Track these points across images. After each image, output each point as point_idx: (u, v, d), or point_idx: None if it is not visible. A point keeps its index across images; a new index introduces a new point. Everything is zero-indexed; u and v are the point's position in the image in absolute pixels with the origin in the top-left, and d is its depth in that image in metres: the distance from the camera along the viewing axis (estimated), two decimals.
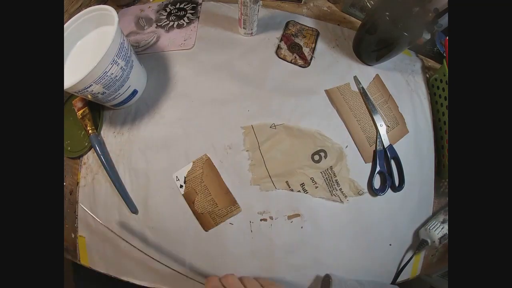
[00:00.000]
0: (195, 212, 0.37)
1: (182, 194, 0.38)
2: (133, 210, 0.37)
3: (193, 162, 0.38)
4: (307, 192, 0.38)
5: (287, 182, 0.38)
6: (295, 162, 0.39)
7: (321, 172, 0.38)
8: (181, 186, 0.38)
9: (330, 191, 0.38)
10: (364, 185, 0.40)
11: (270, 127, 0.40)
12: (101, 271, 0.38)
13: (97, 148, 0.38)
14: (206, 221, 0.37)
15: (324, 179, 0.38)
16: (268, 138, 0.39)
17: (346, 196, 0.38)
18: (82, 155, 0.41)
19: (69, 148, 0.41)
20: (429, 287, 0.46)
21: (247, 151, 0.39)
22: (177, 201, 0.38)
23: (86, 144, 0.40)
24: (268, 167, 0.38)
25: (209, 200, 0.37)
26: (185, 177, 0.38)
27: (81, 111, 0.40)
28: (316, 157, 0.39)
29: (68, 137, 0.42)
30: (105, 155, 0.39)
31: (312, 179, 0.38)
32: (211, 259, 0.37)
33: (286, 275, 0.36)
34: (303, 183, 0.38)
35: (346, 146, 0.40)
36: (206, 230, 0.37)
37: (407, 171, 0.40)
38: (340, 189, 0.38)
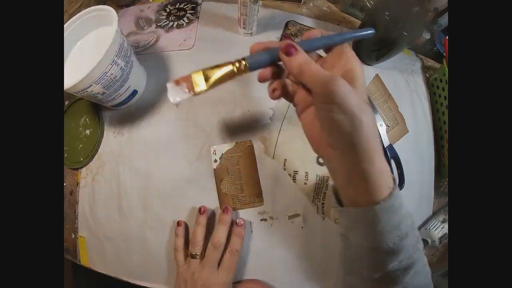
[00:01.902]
0: (219, 190, 0.38)
1: (214, 169, 0.38)
2: None
3: (236, 143, 0.39)
4: (295, 181, 0.38)
5: (285, 160, 0.38)
6: (301, 154, 0.39)
7: (317, 174, 0.38)
8: (215, 161, 0.38)
9: (313, 197, 0.38)
10: None
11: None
12: (101, 271, 0.38)
13: None
14: (227, 202, 0.37)
15: (315, 183, 0.38)
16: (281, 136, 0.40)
17: (323, 214, 0.37)
18: (77, 168, 0.41)
19: (66, 155, 0.41)
20: None
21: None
22: (178, 201, 0.38)
23: (82, 159, 0.40)
24: (278, 144, 0.39)
25: (237, 184, 0.38)
26: (222, 154, 0.39)
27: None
28: (321, 160, 0.39)
29: (66, 144, 0.42)
30: None
31: (306, 173, 0.38)
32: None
33: (286, 275, 0.36)
34: (297, 171, 0.38)
35: None
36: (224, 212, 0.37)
37: (407, 171, 0.40)
38: (323, 204, 0.38)
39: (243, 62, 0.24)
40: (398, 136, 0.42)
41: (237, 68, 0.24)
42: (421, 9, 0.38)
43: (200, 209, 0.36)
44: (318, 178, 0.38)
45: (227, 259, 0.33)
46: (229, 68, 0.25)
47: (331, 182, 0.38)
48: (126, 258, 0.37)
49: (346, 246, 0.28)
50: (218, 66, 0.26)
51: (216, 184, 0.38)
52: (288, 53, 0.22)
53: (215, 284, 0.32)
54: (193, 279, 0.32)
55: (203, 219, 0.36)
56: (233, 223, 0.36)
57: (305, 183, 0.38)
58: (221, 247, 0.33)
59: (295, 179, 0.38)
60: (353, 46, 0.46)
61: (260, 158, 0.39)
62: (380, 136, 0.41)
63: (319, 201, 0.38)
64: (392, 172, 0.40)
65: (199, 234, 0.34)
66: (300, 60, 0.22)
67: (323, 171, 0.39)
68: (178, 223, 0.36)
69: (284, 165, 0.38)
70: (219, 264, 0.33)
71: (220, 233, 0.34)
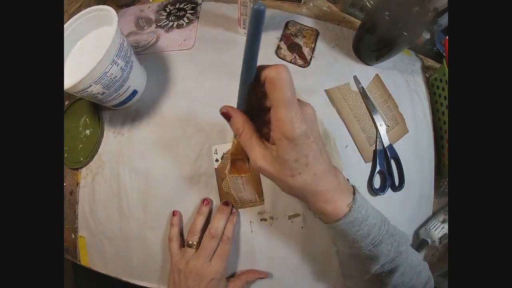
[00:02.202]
0: (220, 190, 0.38)
1: (215, 168, 0.38)
2: None
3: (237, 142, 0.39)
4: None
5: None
6: None
7: None
8: (216, 160, 0.38)
9: None
10: (364, 185, 0.40)
11: None
12: (101, 271, 0.38)
13: None
14: (228, 200, 0.37)
15: None
16: None
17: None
18: (77, 168, 0.41)
19: (66, 155, 0.41)
20: None
21: None
22: (178, 201, 0.38)
23: (82, 159, 0.40)
24: None
25: (238, 184, 0.38)
26: (224, 153, 0.39)
27: None
28: None
29: (66, 144, 0.42)
30: None
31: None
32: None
33: (286, 275, 0.36)
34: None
35: (346, 146, 0.40)
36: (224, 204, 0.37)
37: (407, 171, 0.40)
38: None
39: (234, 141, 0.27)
40: (398, 136, 0.42)
41: (237, 142, 0.27)
42: (421, 9, 0.38)
43: (204, 200, 0.37)
44: None
45: (219, 247, 0.34)
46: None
47: None
48: (126, 258, 0.37)
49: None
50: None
51: (218, 183, 0.38)
52: (225, 117, 0.25)
53: (210, 273, 0.32)
54: (187, 267, 0.32)
55: (205, 210, 0.36)
56: None
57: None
58: (218, 237, 0.34)
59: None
60: (353, 46, 0.46)
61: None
62: (380, 136, 0.41)
63: None
64: (392, 172, 0.40)
65: (198, 224, 0.35)
66: (233, 124, 0.24)
67: None
68: (174, 213, 0.37)
69: None
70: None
71: (218, 223, 0.34)
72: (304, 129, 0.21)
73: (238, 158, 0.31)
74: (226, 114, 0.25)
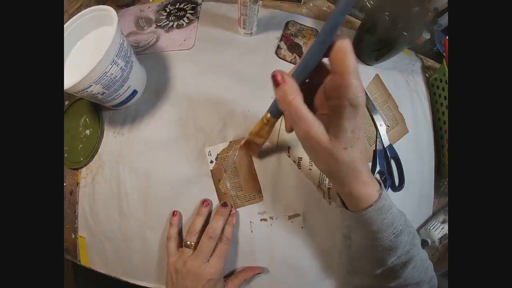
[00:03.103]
0: (218, 190, 0.38)
1: (211, 170, 0.38)
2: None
3: (229, 142, 0.39)
4: (299, 167, 0.38)
5: (289, 147, 0.39)
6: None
7: None
8: (211, 162, 0.39)
9: (319, 182, 0.38)
10: None
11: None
12: (101, 271, 0.38)
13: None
14: (226, 201, 0.37)
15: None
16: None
17: (330, 198, 0.38)
18: (77, 168, 0.41)
19: (66, 155, 0.41)
20: None
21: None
22: (178, 201, 0.38)
23: (82, 159, 0.40)
24: (281, 132, 0.39)
25: (235, 183, 0.38)
26: (217, 154, 0.39)
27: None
28: None
29: (66, 144, 0.42)
30: None
31: (310, 161, 0.38)
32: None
33: (286, 275, 0.36)
34: (301, 157, 0.38)
35: None
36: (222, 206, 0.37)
37: (407, 171, 0.40)
38: (328, 189, 0.38)
39: (268, 115, 0.28)
40: (398, 136, 0.42)
41: (267, 120, 0.28)
42: (421, 9, 0.38)
43: (203, 201, 0.37)
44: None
45: (218, 248, 0.34)
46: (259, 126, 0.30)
47: None
48: (126, 258, 0.37)
49: (348, 246, 0.32)
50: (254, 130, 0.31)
51: (215, 184, 0.38)
52: (275, 82, 0.23)
53: (208, 274, 0.32)
54: (185, 267, 0.32)
55: (205, 211, 0.36)
56: None
57: (309, 169, 0.38)
58: (216, 238, 0.33)
59: (299, 165, 0.38)
60: (353, 46, 0.46)
61: (261, 154, 0.39)
62: (380, 136, 0.41)
63: (325, 186, 0.38)
64: (392, 172, 0.40)
65: (197, 224, 0.35)
66: (284, 90, 0.23)
67: None
68: (174, 213, 0.37)
69: (288, 152, 0.39)
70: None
71: (216, 224, 0.34)
72: (364, 99, 0.22)
73: (255, 140, 0.32)
74: (276, 78, 0.23)
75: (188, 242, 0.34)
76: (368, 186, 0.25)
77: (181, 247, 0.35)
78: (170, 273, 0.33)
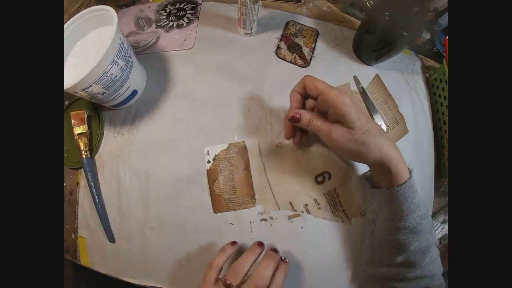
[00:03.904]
0: (212, 191, 0.38)
1: (207, 169, 0.38)
2: (111, 239, 0.38)
3: (229, 144, 0.39)
4: (310, 213, 0.37)
5: (290, 203, 0.38)
6: (299, 183, 0.38)
7: (324, 193, 0.38)
8: (208, 162, 0.38)
9: (332, 212, 0.37)
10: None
11: (276, 146, 0.39)
12: (101, 271, 0.38)
13: (89, 175, 0.38)
14: (219, 203, 0.37)
15: (327, 200, 0.38)
16: (273, 159, 0.39)
17: (349, 217, 0.37)
18: (77, 168, 0.41)
19: (66, 155, 0.41)
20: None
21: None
22: (177, 200, 0.38)
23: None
24: (273, 188, 0.38)
25: (229, 185, 0.38)
26: (216, 154, 0.39)
27: (79, 128, 0.39)
28: (320, 179, 0.38)
29: (66, 144, 0.42)
30: (95, 182, 0.39)
31: (315, 200, 0.38)
32: (211, 259, 0.37)
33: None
34: (307, 204, 0.38)
35: None
36: (215, 212, 0.37)
37: None
38: (343, 210, 0.37)
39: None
40: (398, 136, 0.42)
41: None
42: (421, 9, 0.38)
43: (259, 243, 0.33)
44: (326, 196, 0.38)
45: None
46: None
47: (339, 190, 0.38)
48: (126, 258, 0.37)
49: (371, 232, 0.33)
50: None
51: (209, 185, 0.38)
52: (295, 121, 0.32)
53: None
54: None
55: (259, 251, 0.32)
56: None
57: (319, 208, 0.37)
58: None
59: (309, 212, 0.37)
60: (353, 46, 0.46)
61: (260, 158, 0.39)
62: None
63: (340, 211, 0.37)
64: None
65: (247, 265, 0.30)
66: (304, 121, 0.32)
67: (326, 187, 0.38)
68: (232, 243, 0.34)
69: (293, 207, 0.37)
70: None
71: (267, 272, 0.29)
72: (344, 93, 0.30)
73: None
74: (295, 118, 0.32)
75: (229, 282, 0.29)
76: (403, 163, 0.29)
77: (219, 280, 0.31)
78: None
